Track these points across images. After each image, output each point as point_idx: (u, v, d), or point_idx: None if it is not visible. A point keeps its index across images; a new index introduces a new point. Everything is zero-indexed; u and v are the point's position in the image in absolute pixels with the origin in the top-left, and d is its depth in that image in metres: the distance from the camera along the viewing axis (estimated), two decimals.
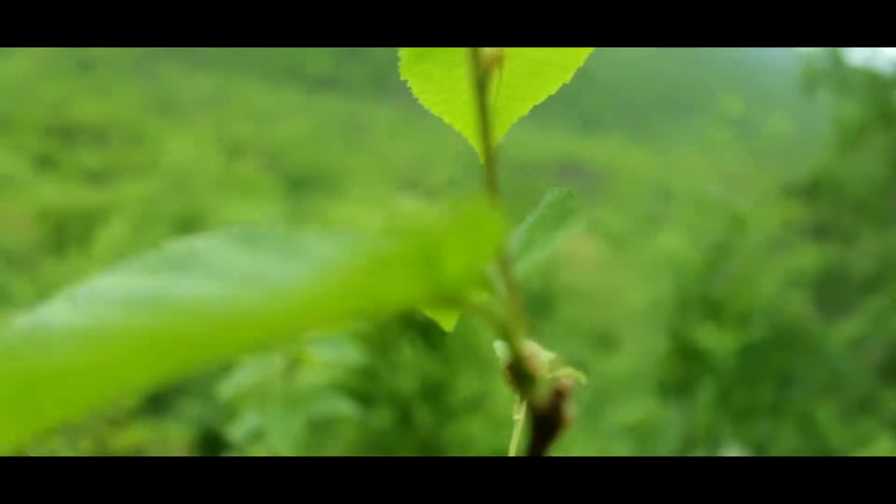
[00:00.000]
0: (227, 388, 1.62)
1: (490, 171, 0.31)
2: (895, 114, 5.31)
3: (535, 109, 0.38)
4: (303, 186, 17.24)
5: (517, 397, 0.30)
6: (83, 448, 3.61)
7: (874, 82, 5.40)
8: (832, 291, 5.48)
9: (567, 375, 0.27)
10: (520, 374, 0.26)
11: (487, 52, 0.30)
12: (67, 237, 8.07)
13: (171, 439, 4.10)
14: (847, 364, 4.58)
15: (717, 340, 4.08)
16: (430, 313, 0.34)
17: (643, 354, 4.65)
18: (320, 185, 16.68)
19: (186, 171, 11.87)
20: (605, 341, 7.55)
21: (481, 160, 0.31)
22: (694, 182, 4.64)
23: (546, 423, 0.26)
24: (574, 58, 0.37)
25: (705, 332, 4.15)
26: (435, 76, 0.37)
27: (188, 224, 10.88)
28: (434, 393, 3.54)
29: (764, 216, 4.26)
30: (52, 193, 8.55)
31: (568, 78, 0.38)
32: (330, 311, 0.18)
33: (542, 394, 0.26)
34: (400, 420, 3.75)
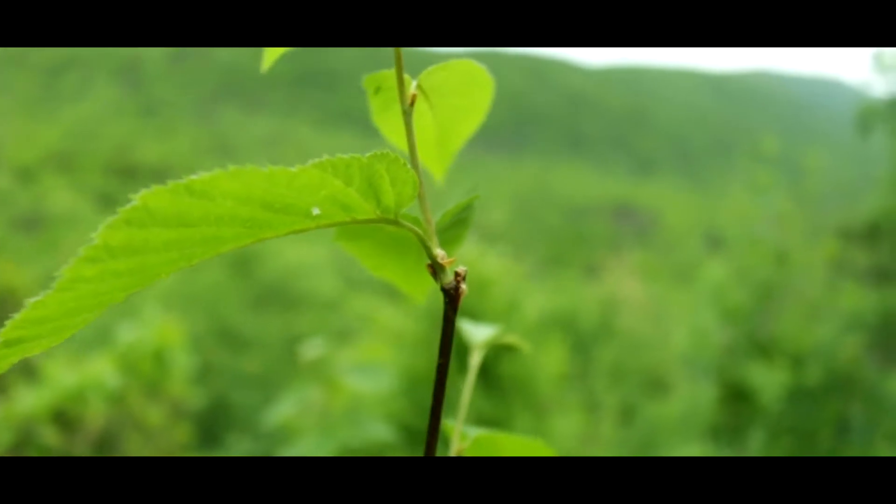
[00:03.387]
0: (272, 418, 1.66)
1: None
2: None
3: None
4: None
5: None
6: None
7: None
8: (891, 338, 5.31)
9: (462, 268, 0.44)
10: (435, 267, 0.44)
11: (410, 94, 0.46)
12: None
13: None
14: None
15: (767, 380, 3.98)
16: (405, 288, 0.54)
17: (693, 398, 4.56)
18: None
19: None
20: (654, 385, 7.41)
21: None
22: (743, 223, 4.58)
23: (451, 294, 0.43)
24: (482, 102, 0.54)
25: (755, 372, 4.05)
26: (392, 121, 0.54)
27: (241, 263, 11.07)
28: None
29: (810, 255, 4.18)
30: None
31: (481, 118, 0.54)
32: (314, 190, 0.37)
33: (448, 277, 0.43)
34: None
